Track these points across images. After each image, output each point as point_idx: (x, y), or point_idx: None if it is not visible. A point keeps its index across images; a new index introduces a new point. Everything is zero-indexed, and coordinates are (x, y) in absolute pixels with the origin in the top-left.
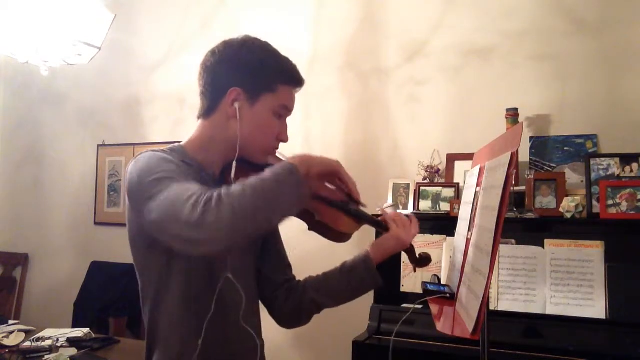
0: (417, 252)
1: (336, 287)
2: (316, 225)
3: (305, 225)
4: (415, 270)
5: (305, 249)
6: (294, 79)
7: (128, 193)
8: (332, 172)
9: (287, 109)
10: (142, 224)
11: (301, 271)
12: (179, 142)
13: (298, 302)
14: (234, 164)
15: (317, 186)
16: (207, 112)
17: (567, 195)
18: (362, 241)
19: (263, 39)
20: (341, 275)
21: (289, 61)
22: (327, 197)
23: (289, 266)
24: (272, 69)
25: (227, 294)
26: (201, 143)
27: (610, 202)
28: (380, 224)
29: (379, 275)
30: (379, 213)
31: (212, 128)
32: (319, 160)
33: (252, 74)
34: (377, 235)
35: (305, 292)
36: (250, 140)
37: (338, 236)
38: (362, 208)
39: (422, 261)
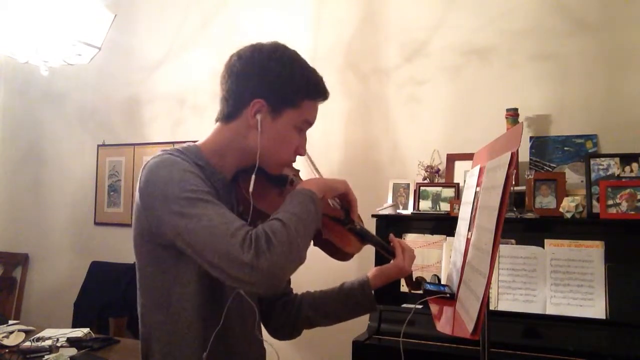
0: (414, 275)
1: (332, 308)
2: (322, 243)
3: None
4: (410, 292)
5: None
6: (319, 94)
7: (144, 196)
8: (341, 195)
9: (309, 123)
10: (152, 227)
11: (299, 282)
12: (179, 142)
13: (293, 317)
14: (253, 177)
15: (324, 207)
16: (227, 117)
17: (567, 195)
18: (364, 252)
19: (265, 39)
20: (338, 298)
21: (315, 74)
22: (333, 215)
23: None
24: (298, 84)
25: (236, 307)
26: (217, 147)
27: (610, 202)
28: (388, 250)
29: (375, 302)
30: (383, 213)
31: (230, 134)
32: (332, 185)
33: (277, 88)
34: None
35: (301, 308)
36: (269, 154)
37: (342, 255)
38: (360, 225)
39: (418, 285)
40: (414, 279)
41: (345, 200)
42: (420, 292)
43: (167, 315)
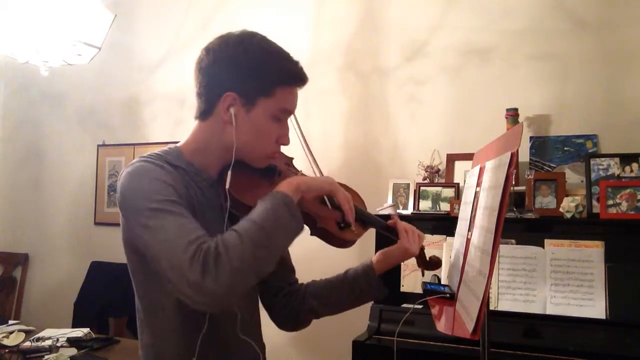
0: (427, 255)
1: (337, 296)
2: (319, 231)
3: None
4: (423, 274)
5: (307, 249)
6: (294, 79)
7: (120, 208)
8: (328, 194)
9: (288, 112)
10: (131, 238)
11: (304, 271)
12: (179, 142)
13: (298, 308)
14: (229, 173)
15: (311, 207)
16: (203, 114)
17: (567, 195)
18: (364, 238)
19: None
20: (342, 285)
21: (289, 59)
22: (325, 215)
23: (292, 270)
24: (270, 72)
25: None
26: (198, 146)
27: (610, 202)
28: (391, 231)
29: (382, 285)
30: (383, 213)
31: (208, 131)
32: (313, 184)
33: (247, 78)
34: (377, 235)
35: (305, 299)
36: (249, 147)
37: (341, 242)
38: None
39: (432, 264)
40: (427, 259)
41: (337, 201)
42: (437, 271)
43: (157, 321)
